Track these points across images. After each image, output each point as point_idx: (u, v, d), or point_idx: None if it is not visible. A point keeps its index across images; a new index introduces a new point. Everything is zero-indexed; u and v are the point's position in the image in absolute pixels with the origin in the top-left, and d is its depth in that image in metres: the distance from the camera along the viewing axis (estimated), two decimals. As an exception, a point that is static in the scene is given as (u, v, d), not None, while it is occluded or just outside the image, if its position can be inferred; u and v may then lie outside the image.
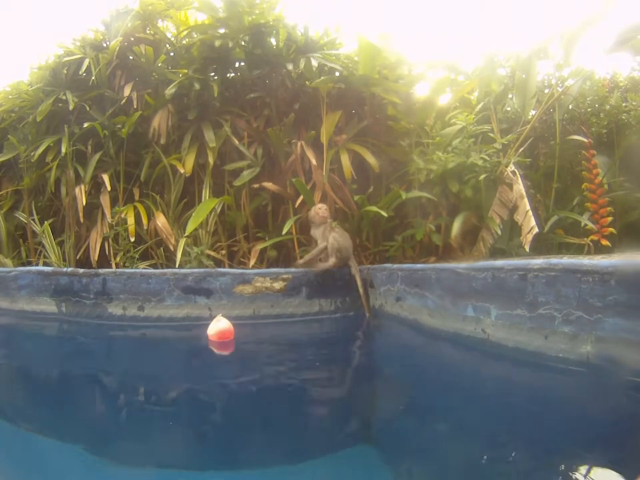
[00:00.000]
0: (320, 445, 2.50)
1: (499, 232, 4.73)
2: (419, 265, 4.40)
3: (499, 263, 3.55)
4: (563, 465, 2.13)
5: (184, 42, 6.57)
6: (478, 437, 2.45)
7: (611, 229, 5.24)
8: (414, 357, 3.91)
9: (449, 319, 3.85)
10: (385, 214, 4.99)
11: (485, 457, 2.27)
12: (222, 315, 4.46)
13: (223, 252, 5.67)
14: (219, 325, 4.33)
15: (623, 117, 6.41)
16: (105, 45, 6.61)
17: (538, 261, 3.27)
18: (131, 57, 6.36)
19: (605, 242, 5.16)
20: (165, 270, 5.28)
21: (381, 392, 3.36)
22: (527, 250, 4.32)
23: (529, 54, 6.16)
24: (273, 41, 6.10)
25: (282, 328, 4.94)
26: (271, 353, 4.37)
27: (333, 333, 5.03)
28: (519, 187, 4.60)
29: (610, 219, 5.29)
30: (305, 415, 2.94)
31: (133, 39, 6.47)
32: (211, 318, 4.55)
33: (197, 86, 5.93)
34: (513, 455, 2.26)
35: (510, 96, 6.25)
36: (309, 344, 4.60)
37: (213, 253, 5.55)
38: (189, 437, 2.57)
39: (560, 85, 6.05)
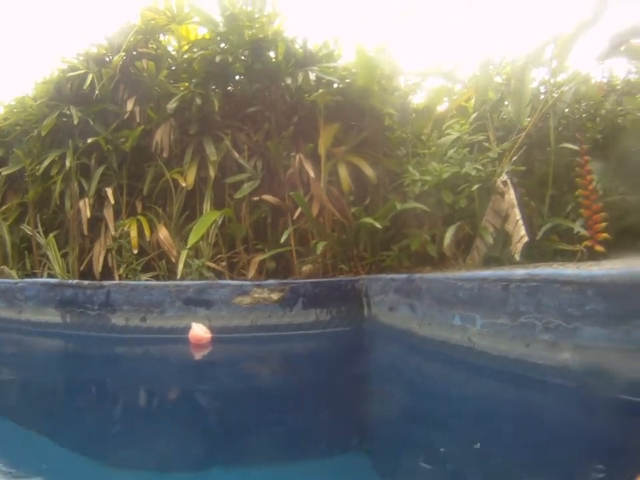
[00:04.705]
0: (314, 451, 2.64)
1: (492, 241, 4.80)
2: (410, 275, 4.50)
3: (484, 273, 3.66)
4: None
5: (185, 56, 6.70)
6: (466, 446, 2.54)
7: (605, 235, 5.27)
8: (405, 367, 4.04)
9: (438, 328, 3.95)
10: (379, 225, 5.09)
11: (471, 465, 2.36)
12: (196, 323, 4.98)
13: (223, 263, 5.80)
14: (202, 328, 4.87)
15: (619, 121, 6.45)
16: (107, 59, 6.76)
17: (520, 272, 3.38)
18: (133, 72, 6.50)
19: (598, 248, 5.19)
20: (167, 282, 5.43)
21: (373, 402, 3.48)
22: (518, 258, 4.39)
23: (524, 61, 6.23)
24: (272, 54, 6.23)
25: (280, 337, 5.08)
26: (270, 362, 4.54)
27: (329, 341, 5.16)
28: (510, 196, 4.67)
29: (604, 224, 5.32)
30: (300, 422, 3.08)
31: (135, 54, 6.61)
32: (210, 328, 4.91)
33: (198, 101, 6.06)
34: (499, 461, 2.36)
35: (506, 103, 6.33)
36: (307, 353, 4.76)
37: (213, 265, 5.68)
38: (187, 439, 2.73)
39: (555, 91, 6.11)
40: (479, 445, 2.51)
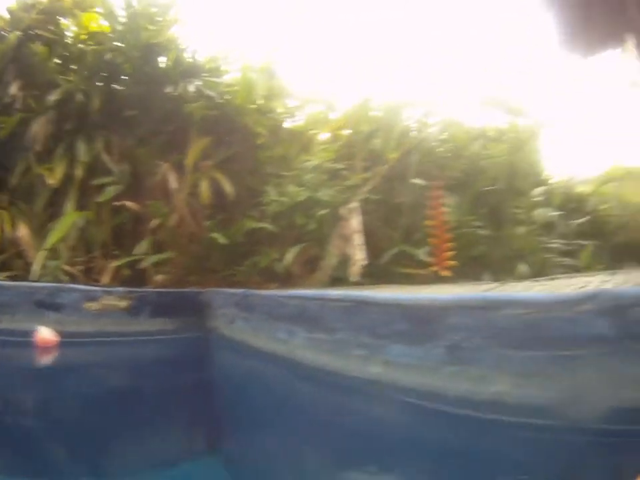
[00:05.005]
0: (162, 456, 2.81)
1: (336, 262, 5.16)
2: (246, 291, 4.78)
3: (305, 292, 3.98)
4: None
5: (80, 46, 6.55)
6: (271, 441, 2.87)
7: (451, 262, 5.77)
8: (233, 375, 4.29)
9: (267, 341, 4.21)
10: (222, 241, 5.32)
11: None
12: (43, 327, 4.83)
13: (80, 267, 5.75)
14: (49, 332, 4.75)
15: (482, 163, 7.14)
16: (4, 34, 6.35)
17: (335, 292, 3.71)
18: (26, 53, 6.21)
19: (445, 273, 5.68)
20: (21, 283, 5.31)
21: (197, 405, 3.69)
22: (354, 279, 4.77)
23: (398, 101, 6.78)
24: (163, 60, 6.31)
25: (126, 347, 5.16)
26: (113, 368, 4.61)
27: (172, 350, 5.29)
28: (355, 222, 5.07)
29: (451, 252, 5.82)
30: (149, 428, 3.19)
31: (32, 34, 6.33)
32: (60, 332, 4.83)
33: (80, 96, 6.00)
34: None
35: (376, 136, 6.80)
36: (148, 361, 4.87)
37: (69, 268, 5.61)
38: (30, 450, 2.72)
39: (424, 131, 6.69)
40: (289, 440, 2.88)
